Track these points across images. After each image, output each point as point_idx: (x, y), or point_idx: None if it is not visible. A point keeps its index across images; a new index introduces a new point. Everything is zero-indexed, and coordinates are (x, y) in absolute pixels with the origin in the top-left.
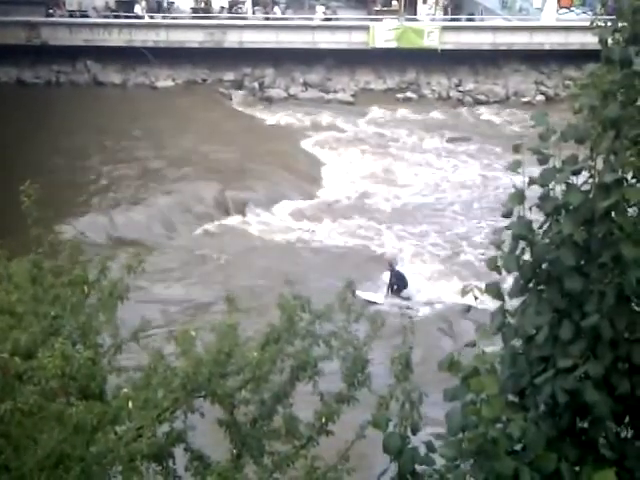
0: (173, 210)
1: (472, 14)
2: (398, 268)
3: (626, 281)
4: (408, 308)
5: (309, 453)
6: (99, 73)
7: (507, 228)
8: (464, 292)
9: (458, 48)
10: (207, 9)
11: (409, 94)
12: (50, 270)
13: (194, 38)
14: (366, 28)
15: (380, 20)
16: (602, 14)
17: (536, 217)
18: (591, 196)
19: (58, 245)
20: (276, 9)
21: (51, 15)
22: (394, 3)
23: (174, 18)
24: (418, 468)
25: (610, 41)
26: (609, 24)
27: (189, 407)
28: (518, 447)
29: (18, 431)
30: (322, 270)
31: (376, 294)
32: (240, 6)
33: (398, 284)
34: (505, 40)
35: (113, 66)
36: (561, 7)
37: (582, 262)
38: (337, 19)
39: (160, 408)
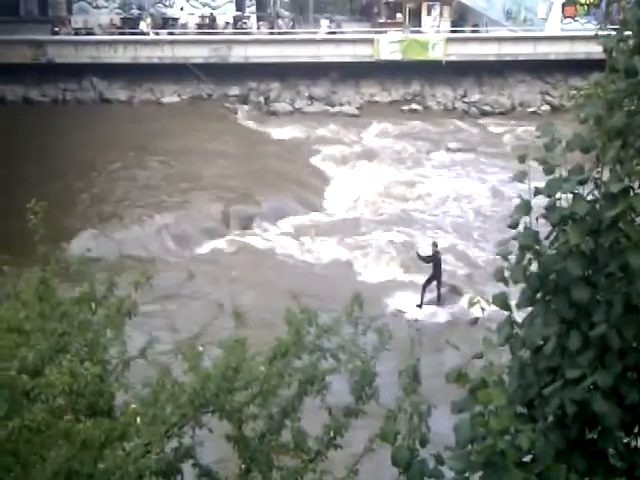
0: (179, 226)
1: (477, 25)
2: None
3: (634, 290)
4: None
5: (318, 467)
6: (105, 90)
7: (514, 239)
8: (471, 303)
9: (463, 59)
10: (212, 25)
11: (414, 106)
12: (57, 287)
13: (199, 54)
14: (371, 41)
15: (384, 33)
16: (606, 24)
17: (542, 228)
18: (598, 206)
19: (65, 262)
20: (280, 22)
21: (57, 33)
22: (398, 15)
23: (179, 34)
24: None
25: (615, 51)
26: (614, 34)
27: (197, 423)
28: (527, 458)
29: (26, 449)
30: (328, 284)
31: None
32: (245, 21)
33: (436, 271)
34: (510, 51)
35: (119, 83)
36: (565, 17)
37: (589, 272)
38: (342, 32)
39: (168, 424)
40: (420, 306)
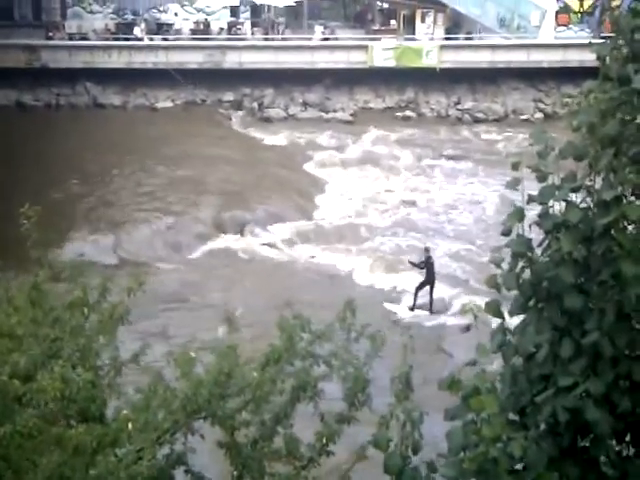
0: (172, 231)
1: (470, 33)
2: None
3: (626, 298)
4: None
5: (310, 474)
6: (99, 95)
7: (506, 246)
8: (464, 310)
9: (457, 66)
10: (206, 30)
11: (408, 113)
12: (50, 292)
13: (194, 59)
14: (365, 47)
15: (378, 39)
16: (600, 32)
17: (535, 235)
18: (590, 213)
19: (58, 267)
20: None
21: (51, 38)
22: (392, 22)
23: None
24: None
25: (608, 59)
26: (607, 42)
27: (189, 429)
28: (519, 466)
29: (18, 454)
30: (324, 290)
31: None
32: (239, 27)
33: (429, 276)
34: (503, 58)
35: (113, 88)
36: (559, 25)
37: (582, 280)
38: (336, 39)
39: (160, 430)
40: (412, 309)
